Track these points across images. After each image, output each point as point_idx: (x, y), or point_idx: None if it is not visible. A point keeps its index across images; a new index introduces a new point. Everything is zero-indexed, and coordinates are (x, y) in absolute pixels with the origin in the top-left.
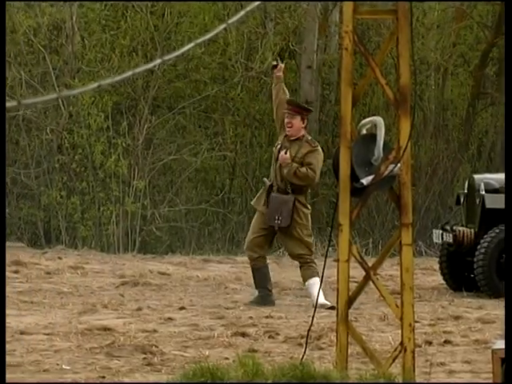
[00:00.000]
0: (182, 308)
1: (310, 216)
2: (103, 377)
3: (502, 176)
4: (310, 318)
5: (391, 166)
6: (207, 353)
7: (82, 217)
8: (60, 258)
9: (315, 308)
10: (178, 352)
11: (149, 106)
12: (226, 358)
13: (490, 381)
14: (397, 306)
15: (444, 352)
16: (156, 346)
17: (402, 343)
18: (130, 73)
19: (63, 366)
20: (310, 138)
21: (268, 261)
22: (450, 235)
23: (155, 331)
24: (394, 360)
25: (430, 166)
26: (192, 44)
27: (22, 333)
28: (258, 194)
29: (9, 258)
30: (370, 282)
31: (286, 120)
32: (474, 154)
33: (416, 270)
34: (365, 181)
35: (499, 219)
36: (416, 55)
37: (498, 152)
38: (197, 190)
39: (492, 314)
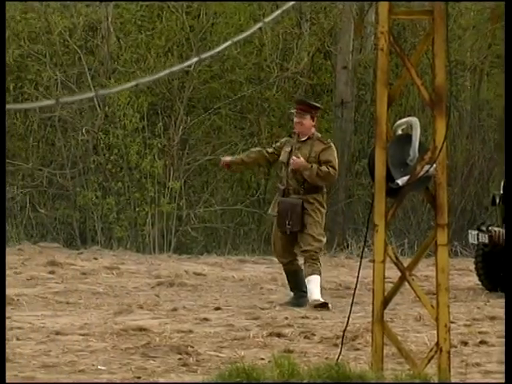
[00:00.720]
0: (217, 308)
1: (325, 216)
2: (139, 377)
3: None
4: (346, 319)
5: (427, 167)
6: (243, 353)
7: (118, 217)
8: (96, 259)
9: (351, 309)
10: (214, 352)
11: (184, 106)
12: (262, 359)
13: None
14: (432, 306)
15: (479, 352)
16: (191, 347)
17: (437, 344)
18: (167, 71)
19: (99, 367)
20: (320, 135)
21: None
22: (486, 236)
23: (191, 331)
24: (429, 360)
25: (466, 166)
26: (229, 42)
27: (57, 333)
28: (273, 201)
29: (44, 258)
30: (406, 283)
31: (295, 120)
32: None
33: (452, 271)
34: (400, 181)
35: None
36: (452, 56)
37: None
38: (232, 190)
39: None
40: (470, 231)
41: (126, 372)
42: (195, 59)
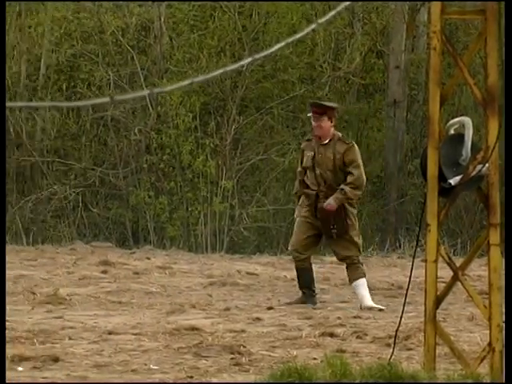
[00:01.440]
0: (269, 308)
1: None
2: (191, 377)
3: None
4: (398, 318)
5: (479, 166)
6: (295, 353)
7: (170, 217)
8: (148, 258)
9: (403, 309)
10: (266, 352)
11: (237, 106)
12: (314, 359)
13: None
14: (485, 306)
15: None
16: (244, 346)
17: (490, 344)
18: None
19: (151, 366)
20: (341, 134)
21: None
22: None
23: (243, 331)
24: (482, 360)
25: None
26: (282, 43)
27: (110, 333)
28: (299, 205)
29: (97, 258)
30: (458, 283)
31: (313, 123)
32: None
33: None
34: (453, 181)
35: None
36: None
37: None
38: (285, 190)
39: None
40: None
41: (179, 372)
42: (249, 59)
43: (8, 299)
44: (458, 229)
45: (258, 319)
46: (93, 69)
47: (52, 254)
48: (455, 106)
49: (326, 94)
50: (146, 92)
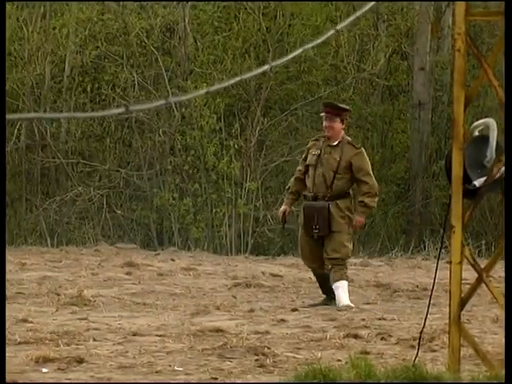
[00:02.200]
0: (294, 310)
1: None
2: (215, 378)
3: None
4: (423, 320)
5: (503, 168)
6: (319, 354)
7: (195, 218)
8: (172, 260)
9: (427, 310)
10: (291, 354)
11: (261, 107)
12: (339, 360)
13: None
14: None
15: None
16: (268, 348)
17: None
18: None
19: (175, 368)
20: (350, 139)
21: (380, 262)
22: None
23: (267, 333)
24: None
25: None
26: (301, 49)
27: (134, 334)
28: (299, 221)
29: (122, 259)
30: (483, 284)
31: (325, 123)
32: None
33: None
34: (477, 182)
35: None
36: None
37: None
38: None
39: None
40: None
41: (203, 373)
42: (266, 66)
43: (33, 300)
44: (483, 230)
45: (283, 321)
46: (117, 70)
47: (76, 255)
48: (480, 107)
49: (351, 96)
50: (161, 102)
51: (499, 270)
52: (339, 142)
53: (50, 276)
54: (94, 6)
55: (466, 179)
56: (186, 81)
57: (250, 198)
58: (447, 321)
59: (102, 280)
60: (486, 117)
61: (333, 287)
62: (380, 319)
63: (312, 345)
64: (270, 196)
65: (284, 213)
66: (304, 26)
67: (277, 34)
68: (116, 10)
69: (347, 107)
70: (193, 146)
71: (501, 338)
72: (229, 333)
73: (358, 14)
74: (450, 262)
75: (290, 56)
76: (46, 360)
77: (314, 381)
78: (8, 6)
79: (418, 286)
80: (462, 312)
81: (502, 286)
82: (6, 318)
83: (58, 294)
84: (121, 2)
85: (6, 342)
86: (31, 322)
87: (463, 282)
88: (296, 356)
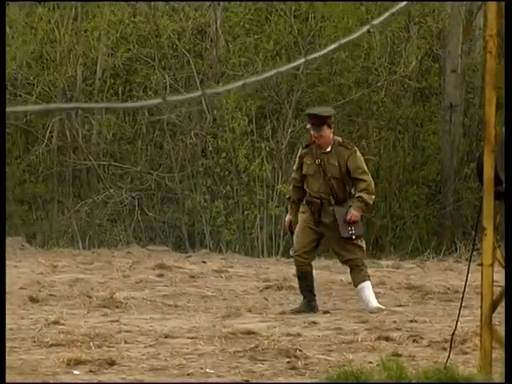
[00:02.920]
0: (325, 312)
1: None
2: (247, 380)
3: None
4: (455, 322)
5: None
6: (351, 357)
7: (226, 221)
8: (204, 262)
9: (459, 312)
10: (322, 356)
11: (293, 110)
12: (370, 362)
13: None
14: None
15: None
16: (300, 350)
17: None
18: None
19: (207, 370)
20: (340, 139)
21: (412, 264)
22: None
23: (299, 335)
24: None
25: None
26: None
27: (166, 336)
28: (301, 211)
29: (153, 261)
30: None
31: (313, 134)
32: None
33: None
34: None
35: None
36: None
37: None
38: None
39: None
40: None
41: (235, 375)
42: (302, 60)
43: (64, 303)
44: None
45: (314, 323)
46: (149, 72)
47: (108, 257)
48: None
49: (382, 98)
50: (198, 93)
51: None
52: (332, 147)
53: (81, 278)
54: (125, 9)
55: (498, 181)
56: (217, 83)
57: (281, 200)
58: (479, 323)
59: (133, 282)
60: None
61: (358, 289)
62: (411, 321)
63: (343, 347)
64: None
65: (290, 222)
66: (335, 29)
67: (308, 36)
68: (147, 12)
69: (330, 113)
70: (224, 149)
71: None
72: (260, 335)
73: (393, 10)
74: (482, 264)
75: (326, 50)
76: (78, 362)
77: (347, 382)
78: (40, 8)
79: (449, 289)
80: (494, 314)
81: None
82: (38, 320)
83: (90, 297)
84: (152, 4)
85: (39, 344)
86: (63, 325)
87: (495, 284)
88: (327, 358)
